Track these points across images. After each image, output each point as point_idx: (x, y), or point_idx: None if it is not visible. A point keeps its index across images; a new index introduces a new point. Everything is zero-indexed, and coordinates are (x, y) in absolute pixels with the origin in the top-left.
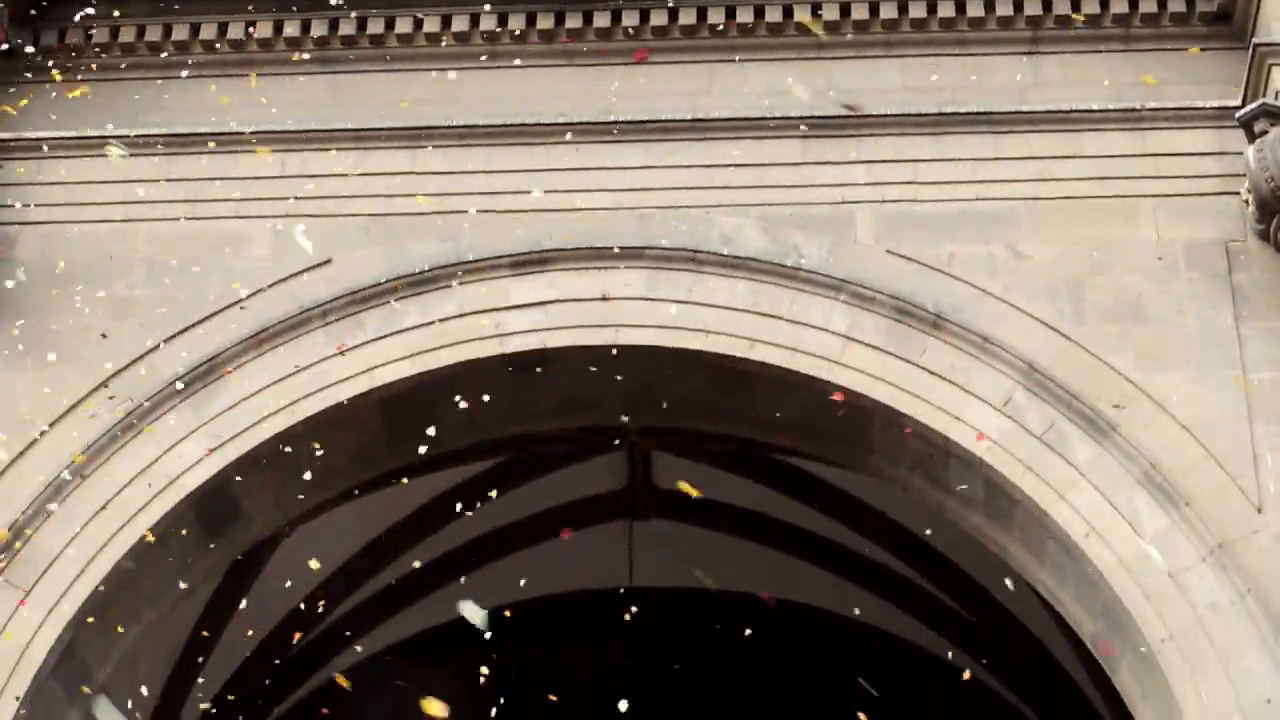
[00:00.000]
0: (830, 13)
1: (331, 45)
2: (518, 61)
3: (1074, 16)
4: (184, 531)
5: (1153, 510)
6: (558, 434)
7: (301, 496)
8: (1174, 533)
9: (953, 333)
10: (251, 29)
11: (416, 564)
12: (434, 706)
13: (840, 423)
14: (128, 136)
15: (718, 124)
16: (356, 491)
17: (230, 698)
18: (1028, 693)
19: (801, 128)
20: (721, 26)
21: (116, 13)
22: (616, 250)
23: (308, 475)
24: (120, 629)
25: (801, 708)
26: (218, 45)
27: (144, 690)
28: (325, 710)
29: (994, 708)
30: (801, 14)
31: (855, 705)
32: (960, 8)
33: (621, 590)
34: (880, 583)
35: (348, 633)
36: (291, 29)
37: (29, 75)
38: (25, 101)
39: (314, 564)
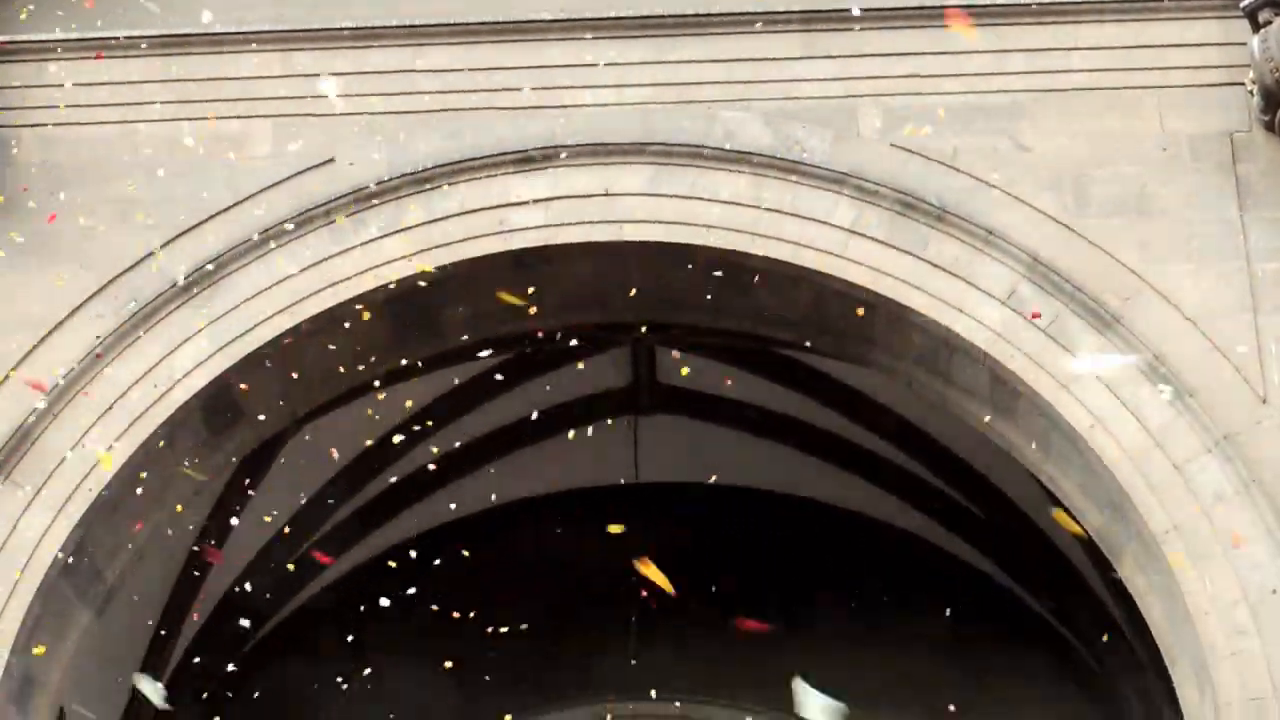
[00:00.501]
0: None
1: None
2: None
3: None
4: (190, 432)
5: (1157, 402)
6: (562, 331)
7: (306, 396)
8: (1179, 424)
9: (956, 226)
10: None
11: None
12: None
13: (844, 317)
14: (128, 37)
15: (720, 19)
16: (361, 390)
17: (239, 594)
18: (1035, 586)
19: (804, 22)
20: None
21: None
22: (619, 146)
23: (312, 374)
24: (129, 529)
25: (808, 601)
26: None
27: (154, 590)
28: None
29: (1001, 601)
30: None
31: (862, 599)
32: None
33: (626, 484)
34: (886, 477)
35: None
36: None
37: None
38: (30, 8)
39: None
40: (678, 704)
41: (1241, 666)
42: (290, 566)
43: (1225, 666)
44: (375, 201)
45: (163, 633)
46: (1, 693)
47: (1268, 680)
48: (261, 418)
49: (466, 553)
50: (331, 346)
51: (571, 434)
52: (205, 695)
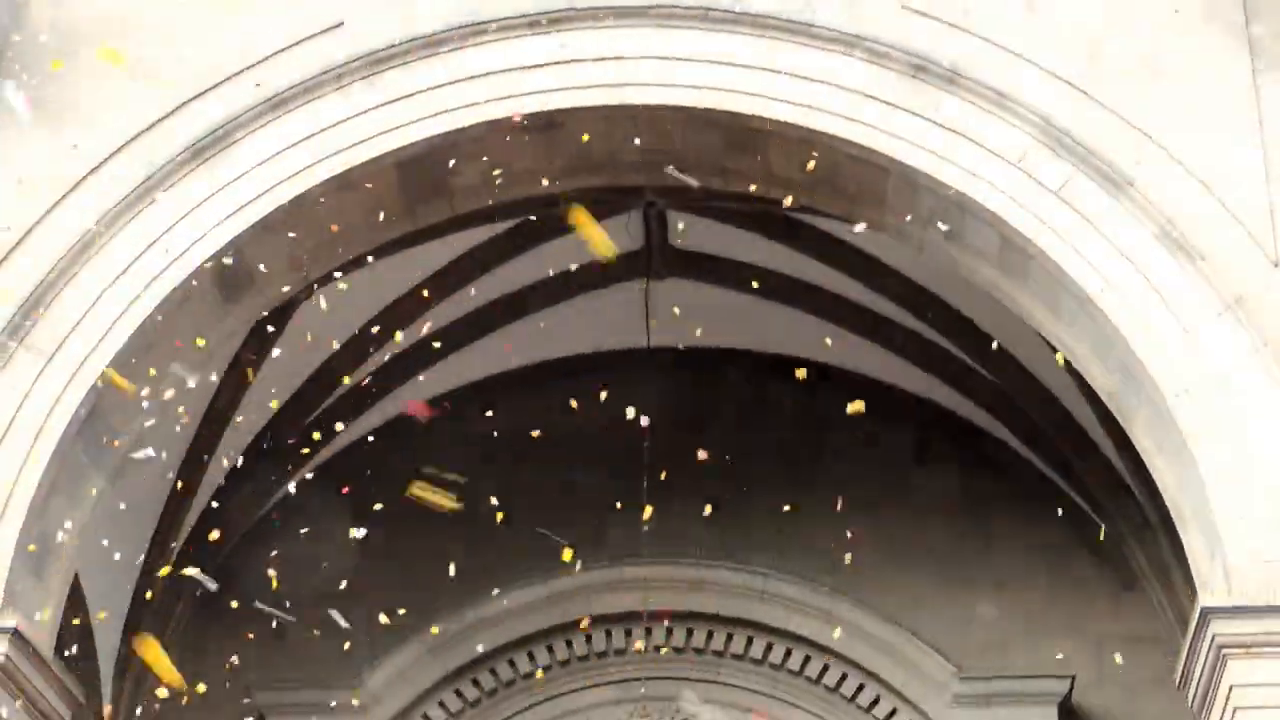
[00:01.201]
0: None
1: None
2: None
3: None
4: (203, 297)
5: (1169, 265)
6: (572, 196)
7: (318, 261)
8: (1190, 287)
9: (968, 88)
10: None
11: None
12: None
13: (856, 180)
14: None
15: None
16: (373, 255)
17: (255, 456)
18: (1044, 448)
19: None
20: None
21: None
22: (629, 9)
23: (324, 239)
24: (143, 393)
25: (819, 465)
26: None
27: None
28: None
29: (1010, 463)
30: None
31: (872, 463)
32: None
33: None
34: (897, 341)
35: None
36: None
37: None
38: None
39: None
40: (690, 567)
41: (1252, 529)
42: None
43: (1236, 529)
44: (385, 66)
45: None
46: (18, 560)
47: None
48: (274, 283)
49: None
50: (343, 212)
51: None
52: (217, 566)
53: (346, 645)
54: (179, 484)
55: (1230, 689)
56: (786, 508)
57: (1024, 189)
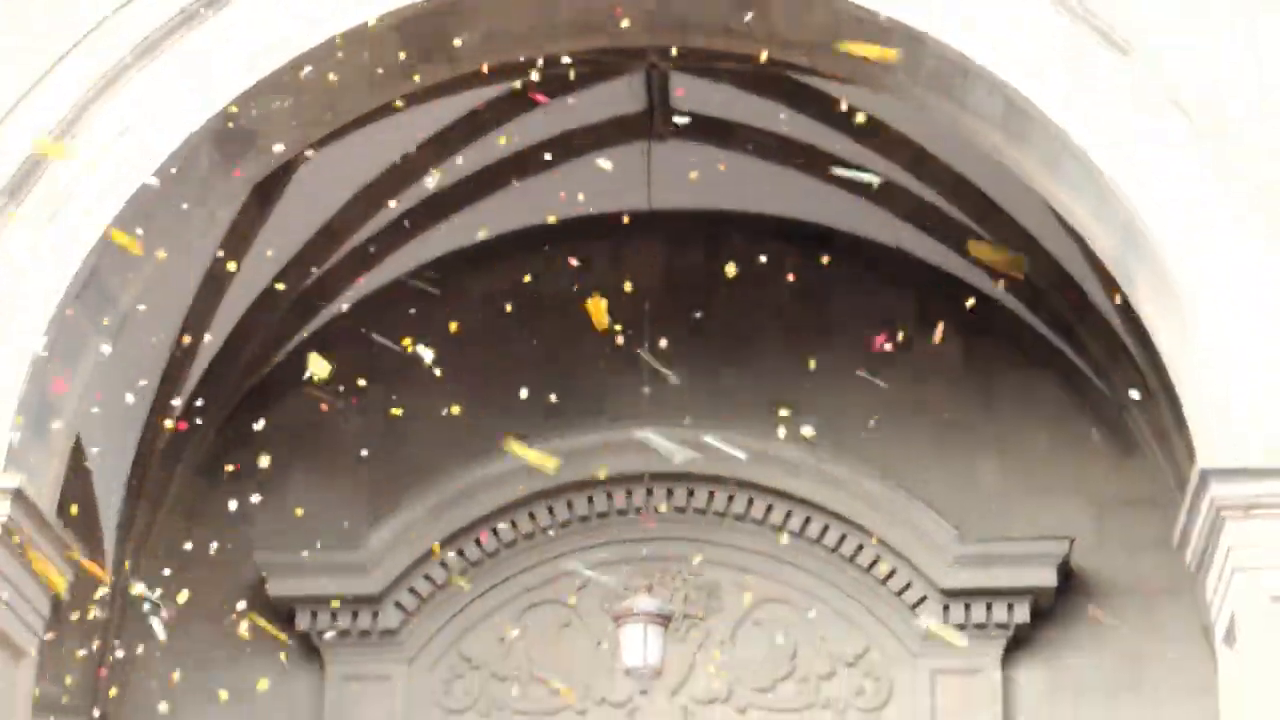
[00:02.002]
0: None
1: None
2: None
3: None
4: (202, 159)
5: (1171, 127)
6: (574, 57)
7: (318, 122)
8: (1193, 149)
9: None
10: None
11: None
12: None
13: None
14: None
15: None
16: (374, 117)
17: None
18: (1047, 312)
19: None
20: None
21: None
22: None
23: (324, 100)
24: (141, 257)
25: (822, 328)
26: None
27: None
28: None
29: (1012, 327)
30: None
31: (875, 326)
32: None
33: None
34: (902, 205)
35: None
36: None
37: None
38: None
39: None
40: (690, 429)
41: (1252, 391)
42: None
43: (1235, 391)
44: None
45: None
46: (19, 419)
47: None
48: (273, 144)
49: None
50: (342, 72)
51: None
52: (218, 426)
53: (348, 505)
54: (180, 345)
55: (1229, 550)
56: (787, 371)
57: (1027, 50)
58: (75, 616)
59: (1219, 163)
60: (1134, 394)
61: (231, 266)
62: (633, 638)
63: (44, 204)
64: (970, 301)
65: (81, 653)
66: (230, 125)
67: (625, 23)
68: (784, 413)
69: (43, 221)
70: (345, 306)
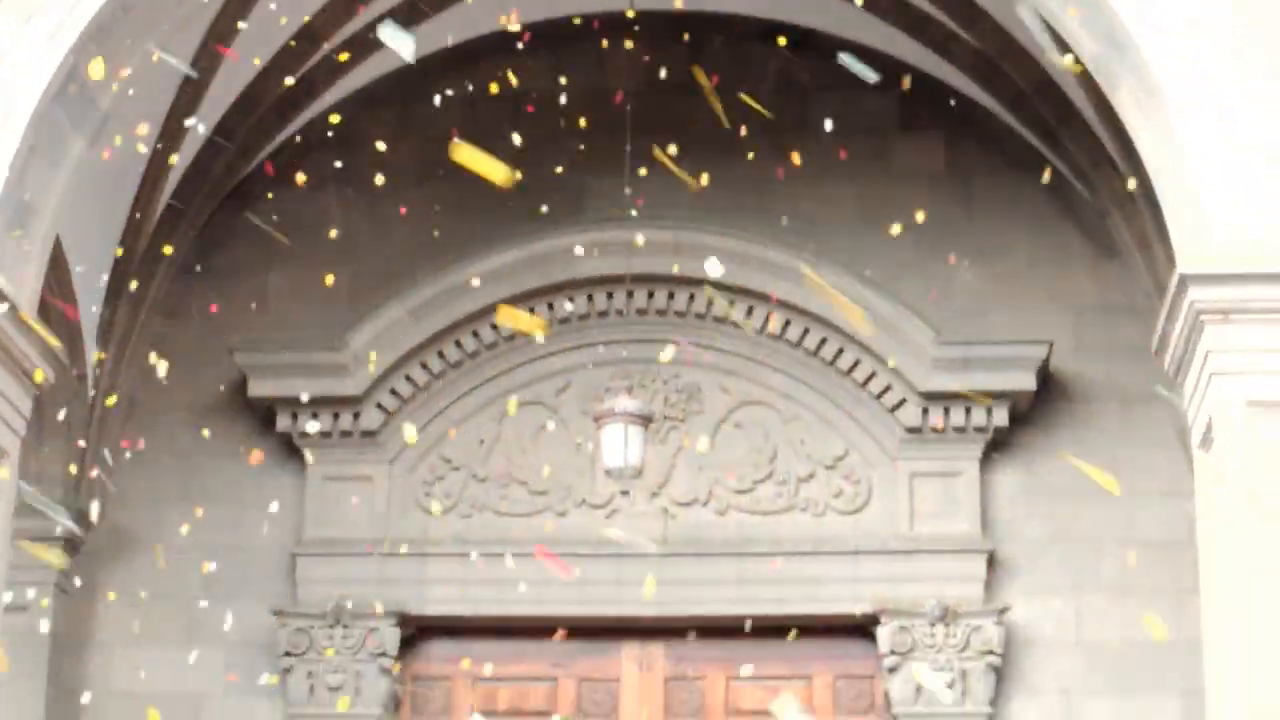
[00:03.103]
0: None
1: None
2: None
3: None
4: None
5: None
6: None
7: None
8: None
9: None
10: None
11: None
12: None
13: None
14: None
15: None
16: None
17: (234, 121)
18: (1030, 117)
19: None
20: None
21: None
22: None
23: None
24: (123, 55)
25: (803, 132)
26: None
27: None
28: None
29: (995, 132)
30: None
31: (857, 129)
32: None
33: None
34: (883, 5)
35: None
36: None
37: None
38: None
39: None
40: (671, 230)
41: (1232, 197)
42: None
43: (1216, 196)
44: None
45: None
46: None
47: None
48: None
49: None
50: None
51: None
52: (199, 227)
53: (329, 307)
54: (158, 148)
55: (1207, 354)
56: (768, 174)
57: None
58: (60, 418)
59: None
60: (1115, 201)
61: (210, 71)
62: (613, 438)
63: (21, 6)
64: (952, 104)
65: (63, 454)
66: None
67: None
68: (765, 215)
69: (21, 21)
70: (325, 108)
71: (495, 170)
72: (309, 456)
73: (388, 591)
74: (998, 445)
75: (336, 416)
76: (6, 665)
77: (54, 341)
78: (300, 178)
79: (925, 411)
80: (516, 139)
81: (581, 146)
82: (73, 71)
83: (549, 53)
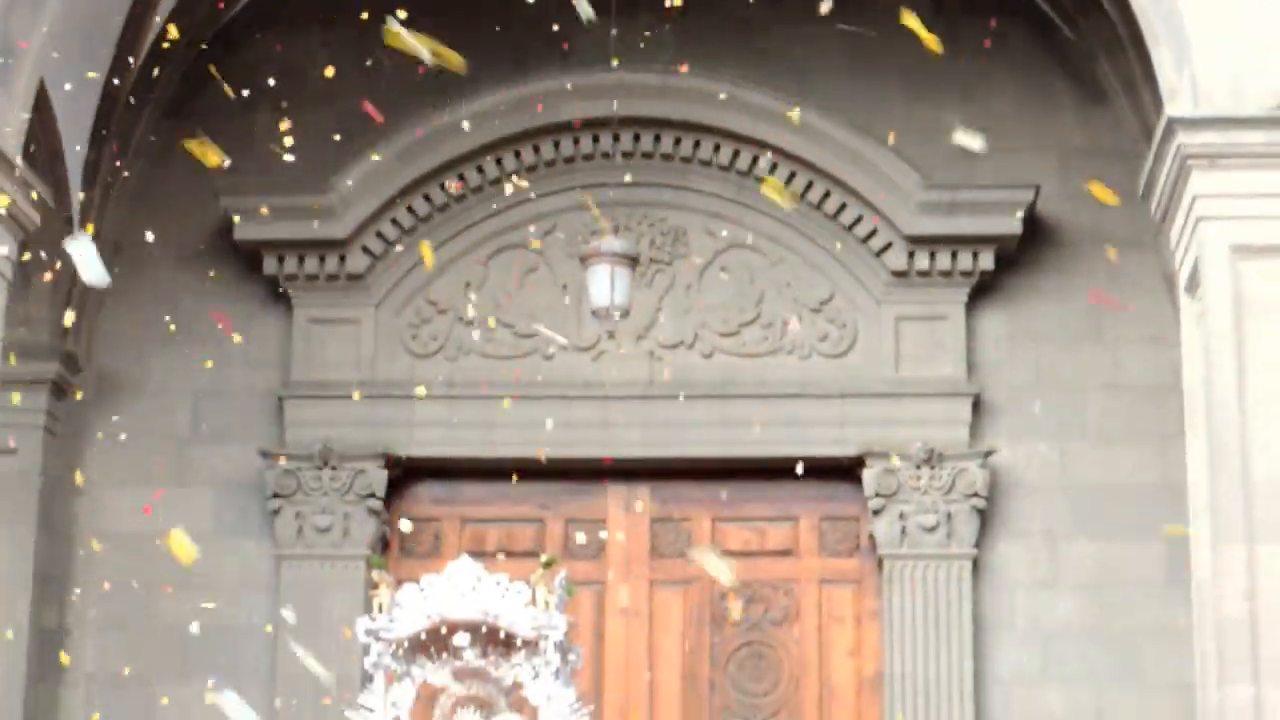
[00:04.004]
0: None
1: None
2: None
3: None
4: None
5: None
6: None
7: None
8: None
9: None
10: None
11: None
12: None
13: None
14: None
15: None
16: None
17: None
18: None
19: None
20: None
21: None
22: None
23: None
24: None
25: None
26: None
27: None
28: None
29: None
30: None
31: None
32: None
33: None
34: None
35: None
36: None
37: None
38: None
39: None
40: (658, 74)
41: (1221, 40)
42: None
43: (1205, 40)
44: None
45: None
46: None
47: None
48: None
49: None
50: None
51: None
52: (185, 68)
53: (316, 150)
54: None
55: (1193, 199)
56: (758, 17)
57: None
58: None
59: None
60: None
61: None
62: (599, 278)
63: None
64: None
65: (50, 299)
66: None
67: None
68: (752, 59)
69: None
70: None
71: (447, 56)
72: (295, 299)
73: (375, 434)
74: (983, 289)
75: (323, 260)
76: None
77: (39, 184)
78: (286, 20)
79: (911, 255)
80: None
81: None
82: None
83: None
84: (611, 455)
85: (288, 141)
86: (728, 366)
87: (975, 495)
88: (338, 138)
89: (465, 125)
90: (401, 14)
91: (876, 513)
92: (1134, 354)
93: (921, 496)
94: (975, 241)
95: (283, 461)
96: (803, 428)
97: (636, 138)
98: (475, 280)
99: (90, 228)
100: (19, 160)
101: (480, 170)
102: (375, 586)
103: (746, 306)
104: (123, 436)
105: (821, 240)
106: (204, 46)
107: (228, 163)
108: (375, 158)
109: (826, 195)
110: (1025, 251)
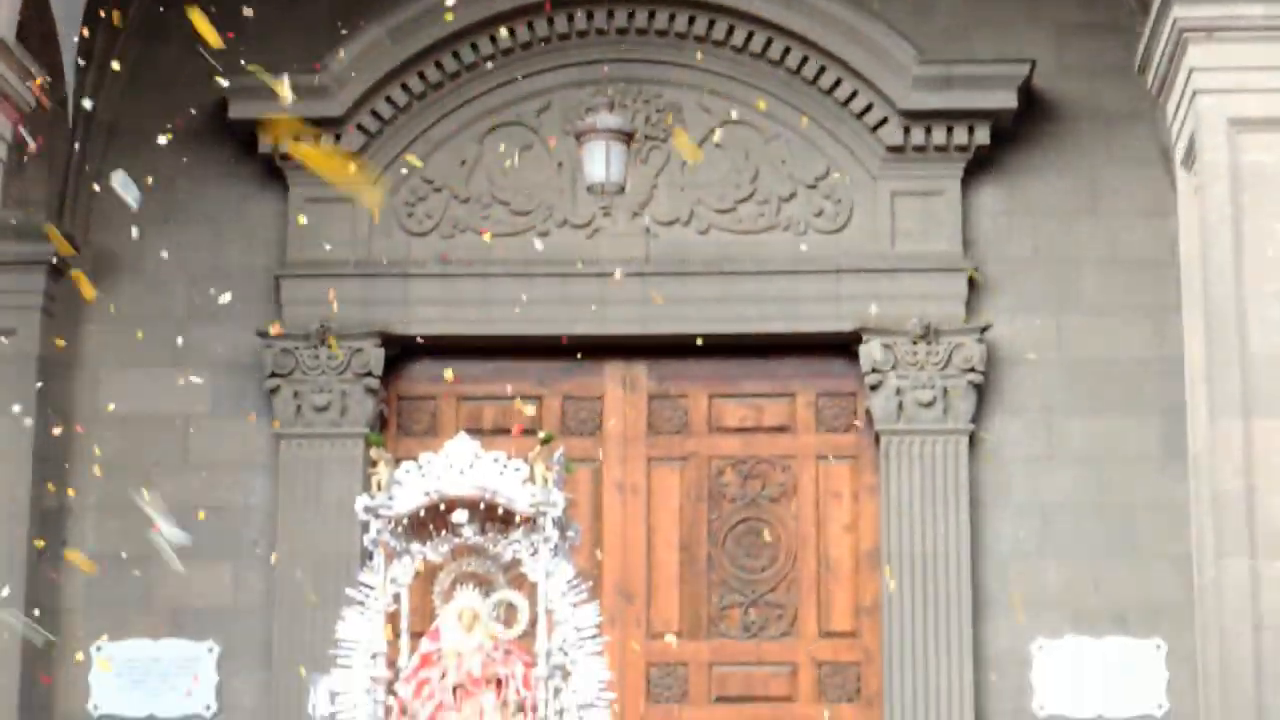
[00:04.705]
0: None
1: None
2: None
3: None
4: None
5: None
6: None
7: None
8: None
9: None
10: None
11: None
12: None
13: None
14: None
15: None
16: None
17: None
18: None
19: None
20: None
21: None
22: None
23: None
24: None
25: None
26: None
27: None
28: None
29: None
30: None
31: None
32: None
33: None
34: None
35: None
36: None
37: None
38: None
39: None
40: None
41: None
42: None
43: None
44: None
45: None
46: None
47: None
48: None
49: None
50: None
51: None
52: None
53: (310, 28)
54: None
55: (1190, 72)
56: None
57: None
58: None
59: None
60: None
61: None
62: (595, 154)
63: None
64: None
65: (46, 179)
66: None
67: None
68: None
69: None
70: None
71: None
72: (291, 179)
73: (372, 312)
74: (979, 165)
75: (318, 138)
76: None
77: (34, 65)
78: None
79: (906, 130)
80: None
81: None
82: None
83: None
84: (608, 332)
85: (282, 20)
86: (724, 243)
87: (972, 370)
88: (332, 16)
89: (452, 1)
90: None
91: (873, 388)
92: (1131, 228)
93: (918, 372)
94: (971, 116)
95: (280, 341)
96: (799, 304)
97: (631, 14)
98: (470, 158)
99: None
100: (13, 41)
101: (475, 47)
102: (374, 464)
103: (742, 183)
104: (119, 317)
105: (817, 116)
106: None
107: (223, 42)
108: (370, 35)
109: (822, 70)
110: (1021, 126)
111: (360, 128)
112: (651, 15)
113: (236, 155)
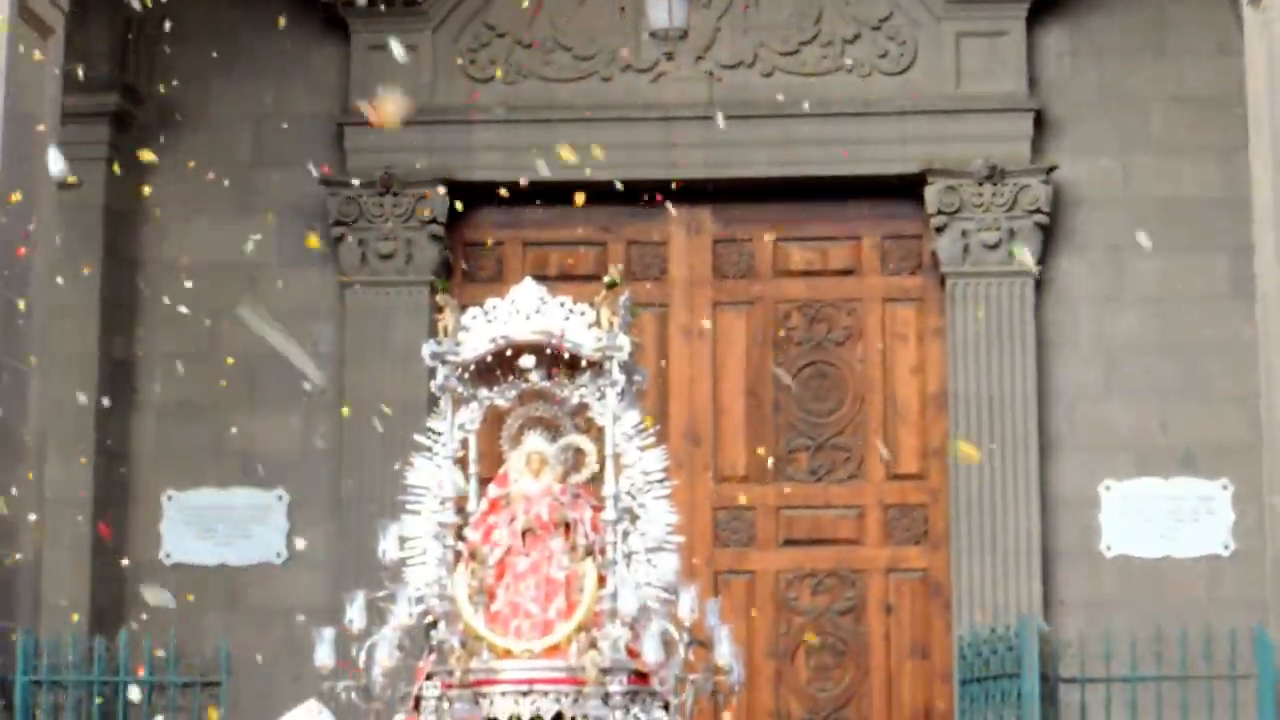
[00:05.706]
0: None
1: None
2: None
3: None
4: None
5: None
6: None
7: None
8: None
9: None
10: None
11: None
12: None
13: None
14: None
15: None
16: None
17: None
18: None
19: None
20: None
21: None
22: None
23: None
24: None
25: None
26: None
27: None
28: None
29: None
30: None
31: None
32: None
33: None
34: None
35: None
36: None
37: None
38: None
39: None
40: None
41: None
42: None
43: None
44: None
45: None
46: None
47: None
48: None
49: None
50: None
51: None
52: None
53: None
54: None
55: None
56: None
57: None
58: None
59: None
60: None
61: None
62: None
63: None
64: None
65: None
66: None
67: None
68: None
69: None
70: None
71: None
72: (353, 26)
73: (435, 159)
74: (1044, 5)
75: None
76: None
77: None
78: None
79: None
80: None
81: None
82: None
83: None
84: (673, 177)
85: None
86: (788, 86)
87: (1038, 211)
88: None
89: None
90: None
91: (939, 230)
92: (1197, 66)
93: (984, 214)
94: None
95: (344, 189)
96: (863, 146)
97: None
98: (533, 3)
99: None
100: None
101: None
102: (440, 311)
103: (806, 25)
104: (184, 167)
105: None
106: None
107: None
108: None
109: None
110: None
111: None
112: None
113: (298, 3)
